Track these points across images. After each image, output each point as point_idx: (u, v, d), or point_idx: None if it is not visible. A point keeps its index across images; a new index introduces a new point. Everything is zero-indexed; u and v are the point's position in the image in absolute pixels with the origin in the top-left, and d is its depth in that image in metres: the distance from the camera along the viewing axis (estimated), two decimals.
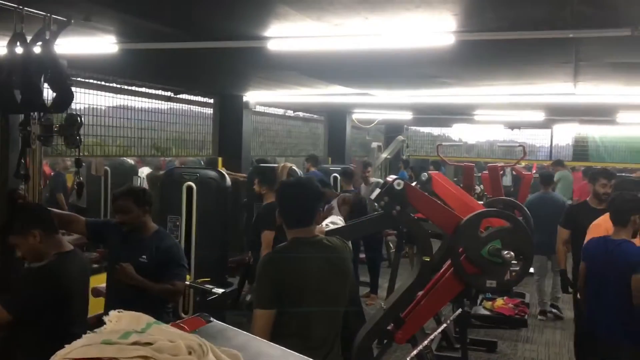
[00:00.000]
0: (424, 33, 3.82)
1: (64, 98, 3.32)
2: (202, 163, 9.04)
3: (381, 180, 7.06)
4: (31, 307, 2.81)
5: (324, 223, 4.00)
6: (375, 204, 3.55)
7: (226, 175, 5.87)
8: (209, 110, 8.62)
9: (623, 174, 9.90)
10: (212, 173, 5.82)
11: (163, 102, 7.69)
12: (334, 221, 4.39)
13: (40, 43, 3.25)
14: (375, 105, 9.94)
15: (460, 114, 11.56)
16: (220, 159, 8.29)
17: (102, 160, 7.61)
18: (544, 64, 5.16)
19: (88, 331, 1.10)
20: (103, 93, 6.55)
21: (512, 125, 13.08)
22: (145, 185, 8.00)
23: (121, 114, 6.90)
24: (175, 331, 1.12)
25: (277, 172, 5.41)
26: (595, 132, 13.72)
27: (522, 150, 8.67)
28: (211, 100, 8.51)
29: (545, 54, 4.62)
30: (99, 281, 4.22)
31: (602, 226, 4.11)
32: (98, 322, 1.18)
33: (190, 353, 1.04)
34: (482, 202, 6.09)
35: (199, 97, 8.33)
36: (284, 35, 4.00)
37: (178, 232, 5.39)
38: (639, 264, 3.58)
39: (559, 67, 5.22)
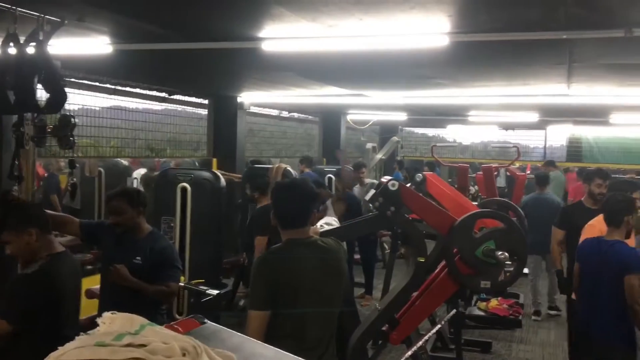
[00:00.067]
0: (418, 34, 3.82)
1: (58, 99, 3.31)
2: (197, 164, 9.03)
3: (376, 181, 7.07)
4: (28, 312, 2.78)
5: (318, 224, 4.00)
6: (370, 205, 3.55)
7: (220, 176, 5.86)
8: (204, 111, 8.61)
9: (617, 175, 9.93)
10: (206, 174, 5.81)
11: (157, 103, 7.67)
12: (329, 222, 4.39)
13: (33, 44, 3.24)
14: (370, 106, 9.96)
15: (455, 115, 11.58)
16: (215, 160, 8.28)
17: (96, 161, 7.58)
18: (537, 65, 5.18)
19: (81, 333, 1.09)
20: (97, 94, 6.53)
21: (506, 126, 13.11)
22: (139, 186, 7.98)
23: (115, 115, 6.88)
24: (169, 333, 1.12)
25: (271, 173, 5.40)
26: (589, 133, 13.77)
27: (516, 151, 8.69)
28: (206, 101, 8.50)
29: (539, 55, 4.64)
30: (92, 283, 4.21)
31: (596, 227, 4.12)
32: (91, 324, 1.17)
33: (184, 355, 1.03)
34: (476, 203, 6.10)
35: (194, 98, 8.31)
36: (278, 36, 4.00)
37: (172, 234, 5.37)
38: (631, 264, 3.60)
39: (553, 68, 5.24)
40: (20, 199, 3.39)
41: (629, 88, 6.40)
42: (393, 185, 3.35)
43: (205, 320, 1.34)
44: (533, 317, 7.10)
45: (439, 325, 4.46)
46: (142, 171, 9.32)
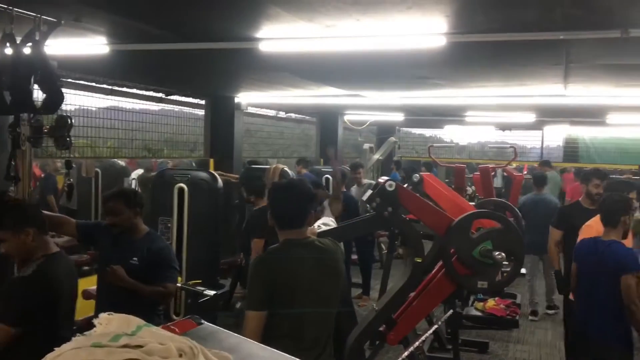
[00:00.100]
0: (415, 35, 3.83)
1: (54, 99, 3.30)
2: (194, 165, 9.02)
3: (373, 182, 7.07)
4: (27, 313, 2.78)
5: (316, 224, 3.99)
6: (367, 206, 3.55)
7: (218, 176, 5.85)
8: (201, 112, 8.60)
9: (614, 176, 9.96)
10: (203, 174, 5.80)
11: (154, 103, 7.66)
12: (326, 222, 4.38)
13: (30, 44, 3.23)
14: (367, 106, 9.96)
15: (452, 115, 11.60)
16: (212, 161, 8.27)
17: (92, 162, 7.57)
18: (534, 66, 5.19)
19: (78, 334, 1.09)
20: (93, 94, 6.52)
21: (503, 127, 13.13)
22: (136, 186, 7.96)
23: (112, 115, 6.88)
24: (166, 334, 1.12)
25: (268, 174, 5.39)
26: (585, 134, 13.80)
27: (513, 152, 8.70)
28: (203, 102, 8.49)
29: (536, 55, 4.65)
30: (89, 283, 4.20)
31: (593, 227, 4.13)
32: (88, 324, 1.17)
33: (181, 355, 1.03)
34: (473, 203, 6.10)
35: (191, 98, 8.31)
36: (275, 36, 4.00)
37: (169, 234, 5.37)
38: (628, 264, 3.61)
39: (550, 68, 5.25)
40: (18, 199, 3.39)
41: (626, 88, 6.41)
42: (390, 185, 3.35)
43: (202, 321, 1.34)
44: (530, 317, 7.11)
45: (436, 326, 4.46)
46: (139, 172, 9.31)
